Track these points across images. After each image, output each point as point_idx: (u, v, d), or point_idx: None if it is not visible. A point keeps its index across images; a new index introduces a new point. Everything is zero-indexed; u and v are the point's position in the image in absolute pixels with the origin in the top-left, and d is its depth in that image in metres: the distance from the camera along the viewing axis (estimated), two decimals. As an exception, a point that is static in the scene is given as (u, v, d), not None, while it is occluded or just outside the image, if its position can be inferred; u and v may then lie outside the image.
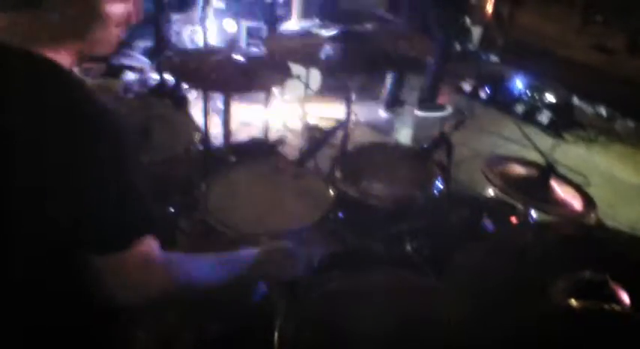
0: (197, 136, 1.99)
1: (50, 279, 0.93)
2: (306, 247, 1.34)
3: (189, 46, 4.21)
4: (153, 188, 1.79)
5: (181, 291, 1.03)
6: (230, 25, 4.26)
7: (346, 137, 2.30)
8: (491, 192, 2.31)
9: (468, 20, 4.50)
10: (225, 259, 1.13)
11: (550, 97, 4.22)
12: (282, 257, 1.24)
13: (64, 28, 0.93)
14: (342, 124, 2.31)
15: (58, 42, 0.94)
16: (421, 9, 3.90)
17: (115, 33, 1.01)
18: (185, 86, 2.68)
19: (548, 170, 1.87)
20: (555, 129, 4.04)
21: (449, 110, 4.17)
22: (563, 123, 4.10)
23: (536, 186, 1.84)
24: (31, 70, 0.90)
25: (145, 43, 3.87)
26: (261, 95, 3.06)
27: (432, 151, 1.99)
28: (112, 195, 0.89)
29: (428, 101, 4.12)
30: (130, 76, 3.12)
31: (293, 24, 4.20)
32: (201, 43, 4.09)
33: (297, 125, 3.50)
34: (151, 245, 0.94)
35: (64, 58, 0.95)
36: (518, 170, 1.94)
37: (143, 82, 3.01)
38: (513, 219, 2.05)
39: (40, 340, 0.98)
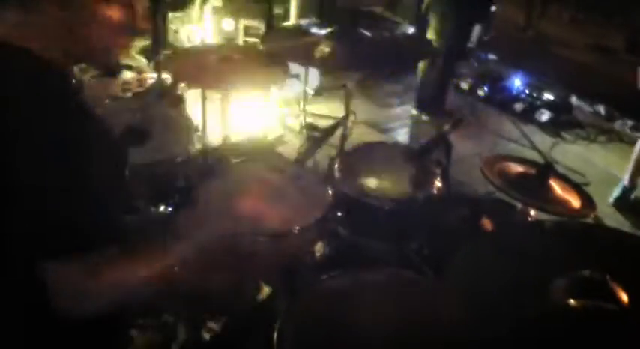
0: (195, 136, 1.99)
1: (15, 286, 0.93)
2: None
3: (186, 44, 4.20)
4: (152, 188, 1.79)
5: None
6: (228, 24, 4.26)
7: (345, 137, 2.30)
8: (490, 191, 2.31)
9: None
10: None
11: (549, 96, 4.22)
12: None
13: (52, 29, 0.92)
14: (341, 124, 2.31)
15: (47, 42, 0.92)
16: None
17: (111, 38, 0.99)
18: (183, 85, 2.67)
19: (547, 169, 1.87)
20: (554, 128, 4.04)
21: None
22: (562, 122, 4.10)
23: (535, 185, 1.84)
24: (26, 68, 0.89)
25: (142, 42, 3.86)
26: (260, 95, 3.06)
27: (431, 150, 1.99)
28: (83, 196, 0.88)
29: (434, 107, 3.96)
30: (128, 76, 3.10)
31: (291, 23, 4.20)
32: (198, 42, 4.08)
33: (296, 125, 3.50)
34: (109, 255, 0.92)
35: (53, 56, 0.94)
36: (517, 169, 1.94)
37: (141, 81, 3.00)
38: (513, 219, 2.05)
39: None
